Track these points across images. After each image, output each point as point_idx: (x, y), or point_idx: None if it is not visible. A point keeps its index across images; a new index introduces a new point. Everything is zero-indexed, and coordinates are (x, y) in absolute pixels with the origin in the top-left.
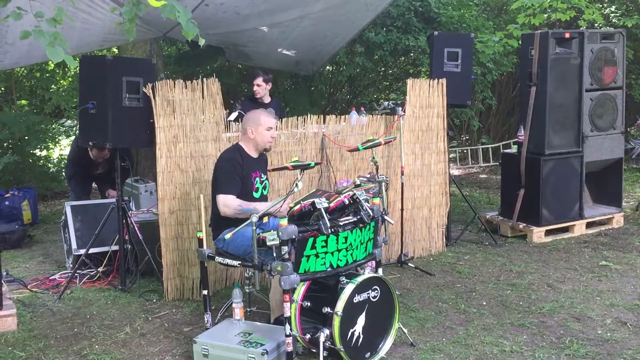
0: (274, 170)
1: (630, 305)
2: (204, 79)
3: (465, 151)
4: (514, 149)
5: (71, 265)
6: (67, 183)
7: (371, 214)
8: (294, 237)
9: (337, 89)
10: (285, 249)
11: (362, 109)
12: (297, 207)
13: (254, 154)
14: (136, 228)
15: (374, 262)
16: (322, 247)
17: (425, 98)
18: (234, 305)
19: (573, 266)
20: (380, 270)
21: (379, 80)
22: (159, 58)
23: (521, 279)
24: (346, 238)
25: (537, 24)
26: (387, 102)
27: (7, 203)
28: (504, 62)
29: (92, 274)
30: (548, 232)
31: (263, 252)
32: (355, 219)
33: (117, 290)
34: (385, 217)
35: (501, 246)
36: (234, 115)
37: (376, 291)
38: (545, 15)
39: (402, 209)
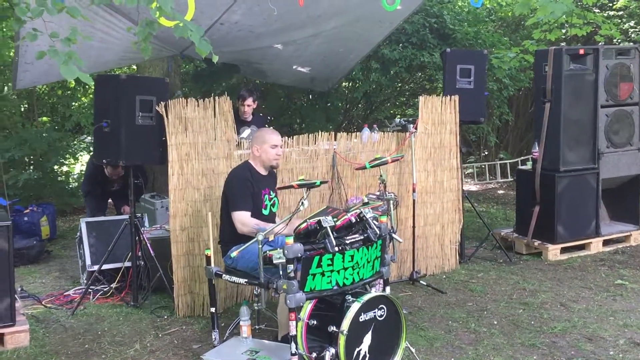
0: (280, 189)
1: None
2: (216, 97)
3: (482, 167)
4: (528, 166)
5: (85, 281)
6: (84, 199)
7: (378, 232)
8: (299, 255)
9: (353, 104)
10: (291, 267)
11: (375, 125)
12: (303, 225)
13: (263, 172)
14: (148, 245)
15: (381, 281)
16: (328, 265)
17: (438, 115)
18: (241, 323)
19: (588, 285)
20: (388, 289)
21: (394, 96)
22: (177, 75)
23: (534, 298)
24: (352, 256)
25: (554, 40)
26: (398, 119)
27: (26, 219)
28: (521, 78)
29: (105, 290)
30: (564, 250)
31: (270, 270)
32: (362, 237)
33: (129, 306)
34: (393, 235)
35: (515, 264)
36: (246, 132)
37: (383, 310)
38: (562, 31)
39: (414, 226)
